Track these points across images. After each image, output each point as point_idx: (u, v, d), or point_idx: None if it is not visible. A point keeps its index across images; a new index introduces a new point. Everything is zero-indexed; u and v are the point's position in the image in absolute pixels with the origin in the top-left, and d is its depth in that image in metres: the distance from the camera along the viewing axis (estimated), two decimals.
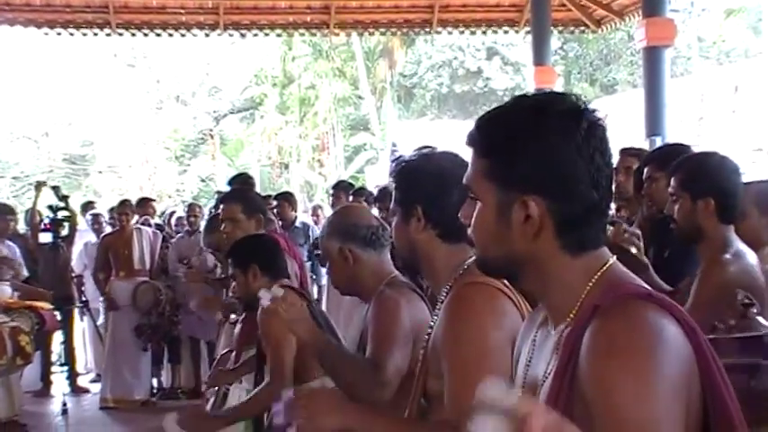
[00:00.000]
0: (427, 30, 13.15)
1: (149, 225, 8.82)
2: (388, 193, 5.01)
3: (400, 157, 2.23)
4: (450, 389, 1.81)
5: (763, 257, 2.96)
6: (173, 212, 10.37)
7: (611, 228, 3.01)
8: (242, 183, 6.39)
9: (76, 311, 8.99)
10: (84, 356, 9.68)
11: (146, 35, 12.35)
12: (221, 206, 4.57)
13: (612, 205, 4.61)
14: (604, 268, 1.32)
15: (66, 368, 8.52)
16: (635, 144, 5.45)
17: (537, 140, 1.29)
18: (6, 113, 28.87)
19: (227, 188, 7.14)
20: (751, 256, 2.83)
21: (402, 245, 2.13)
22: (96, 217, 9.33)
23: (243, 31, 12.54)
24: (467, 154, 1.41)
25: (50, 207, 8.54)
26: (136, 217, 8.68)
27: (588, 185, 1.29)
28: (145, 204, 9.65)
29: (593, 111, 1.33)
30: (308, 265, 7.55)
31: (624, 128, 10.13)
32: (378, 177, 16.40)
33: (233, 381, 4.09)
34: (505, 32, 13.80)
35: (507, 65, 28.86)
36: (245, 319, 4.09)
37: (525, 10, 12.19)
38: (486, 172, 1.34)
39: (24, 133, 30.40)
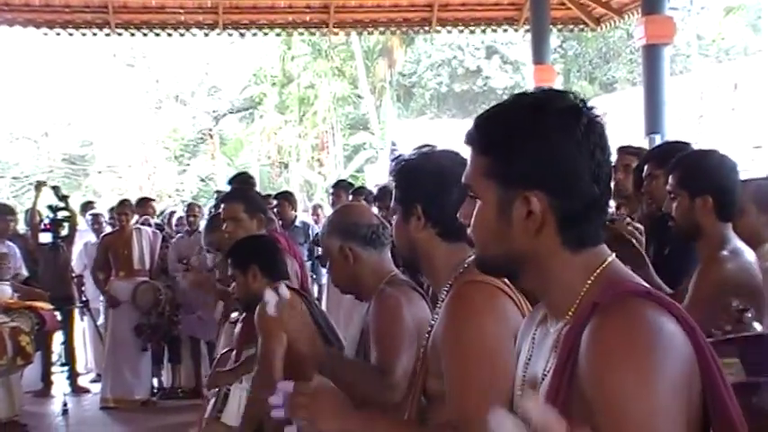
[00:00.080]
0: (426, 29, 13.14)
1: (149, 225, 8.82)
2: (387, 192, 5.01)
3: (400, 156, 2.24)
4: (451, 389, 1.81)
5: (762, 255, 2.97)
6: (172, 212, 10.37)
7: (615, 222, 3.03)
8: (242, 182, 6.39)
9: (77, 311, 8.99)
10: (85, 356, 9.68)
11: (145, 35, 12.35)
12: (223, 206, 4.57)
13: (612, 203, 4.63)
14: (603, 266, 1.32)
15: (66, 368, 8.53)
16: (634, 142, 5.46)
17: (537, 137, 1.30)
18: (6, 114, 28.86)
19: (226, 188, 7.14)
20: (749, 254, 2.83)
21: (402, 243, 2.13)
22: (96, 217, 9.33)
23: (242, 31, 12.53)
24: (466, 153, 1.41)
25: (50, 207, 8.55)
26: (136, 217, 8.68)
27: (589, 181, 1.30)
28: (144, 204, 9.65)
29: (592, 108, 1.34)
30: (308, 264, 7.55)
31: (624, 126, 10.12)
32: (377, 176, 16.40)
33: (233, 381, 4.09)
34: (505, 31, 13.80)
35: (506, 63, 28.86)
36: (245, 319, 4.09)
37: (524, 8, 12.19)
38: (487, 169, 1.34)
39: (24, 133, 30.39)
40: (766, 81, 12.08)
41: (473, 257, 1.55)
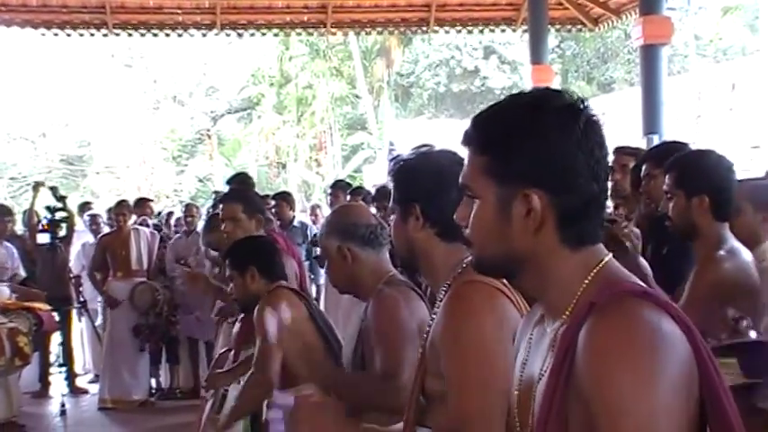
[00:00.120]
0: (424, 29, 13.14)
1: (147, 225, 8.82)
2: (386, 192, 5.01)
3: (398, 156, 2.23)
4: (451, 388, 1.81)
5: (759, 255, 2.97)
6: (170, 213, 10.37)
7: (612, 224, 3.02)
8: (241, 182, 6.38)
9: (74, 312, 8.98)
10: (83, 357, 9.68)
11: (143, 35, 12.34)
12: (221, 206, 4.57)
13: (610, 203, 4.63)
14: (601, 265, 1.32)
15: (64, 369, 8.52)
16: (632, 142, 5.46)
17: (536, 134, 1.30)
18: (3, 114, 28.83)
19: (224, 188, 7.14)
20: (746, 254, 2.84)
21: (400, 243, 2.13)
22: (94, 217, 9.33)
23: (240, 31, 12.52)
24: (464, 153, 1.41)
25: (48, 208, 8.54)
26: (133, 217, 8.68)
27: (588, 178, 1.30)
28: (142, 205, 9.65)
29: (590, 106, 1.34)
30: (306, 264, 7.54)
31: (621, 126, 10.13)
32: (375, 176, 16.42)
33: (231, 382, 4.09)
34: (502, 31, 13.80)
35: (504, 64, 28.87)
36: (244, 320, 4.09)
37: (522, 8, 12.19)
38: (485, 168, 1.34)
39: (21, 134, 30.37)
40: (764, 81, 12.09)
41: (471, 258, 1.54)
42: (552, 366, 1.27)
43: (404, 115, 28.84)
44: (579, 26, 13.20)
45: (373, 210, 5.48)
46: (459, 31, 13.40)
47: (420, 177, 2.07)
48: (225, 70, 30.54)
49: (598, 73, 28.80)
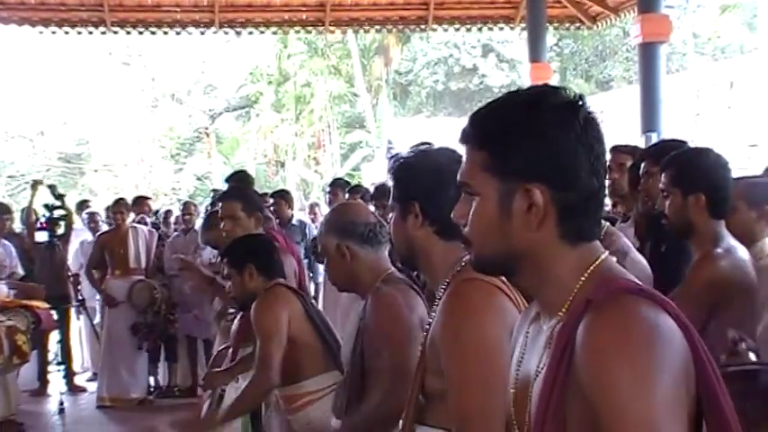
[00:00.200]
0: (423, 27, 13.13)
1: (145, 224, 8.81)
2: (384, 191, 5.01)
3: (397, 154, 2.24)
4: (451, 387, 1.82)
5: (756, 253, 2.98)
6: (168, 211, 10.36)
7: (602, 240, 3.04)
8: (240, 180, 6.38)
9: (73, 310, 8.97)
10: (81, 355, 9.67)
11: (141, 33, 12.31)
12: (220, 204, 4.58)
13: (608, 202, 4.63)
14: (597, 263, 1.32)
15: (62, 367, 8.52)
16: (630, 140, 5.46)
17: (536, 129, 1.30)
18: (1, 112, 28.81)
19: (223, 186, 7.13)
20: (743, 252, 2.84)
21: (400, 241, 2.14)
22: (93, 215, 9.32)
23: (238, 29, 12.51)
24: (462, 151, 1.41)
25: (46, 206, 8.53)
26: (132, 215, 8.68)
27: (589, 174, 1.30)
28: (141, 203, 9.63)
29: (587, 103, 1.34)
30: (305, 262, 7.54)
31: (620, 124, 10.14)
32: (374, 175, 16.42)
33: (229, 381, 4.09)
34: (501, 29, 13.79)
35: (503, 62, 28.87)
36: (243, 318, 4.09)
37: (521, 6, 12.19)
38: (485, 164, 1.33)
39: (20, 132, 30.34)
40: (762, 79, 12.10)
41: (470, 256, 1.54)
42: (549, 364, 1.27)
43: (402, 113, 28.84)
44: (578, 24, 13.20)
45: (372, 208, 5.48)
46: (458, 30, 13.40)
47: (419, 175, 2.08)
48: (223, 68, 30.53)
49: (596, 71, 28.80)
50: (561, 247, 1.32)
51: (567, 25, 13.47)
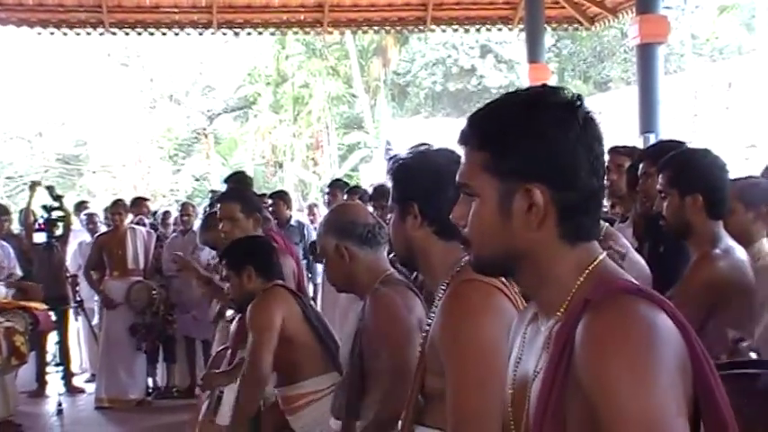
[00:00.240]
0: (421, 28, 13.14)
1: (143, 225, 8.81)
2: (383, 191, 5.02)
3: (396, 155, 2.24)
4: (449, 387, 1.82)
5: (753, 254, 2.98)
6: (166, 212, 10.35)
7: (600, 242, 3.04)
8: (238, 181, 6.37)
9: (71, 311, 8.97)
10: (79, 356, 9.66)
11: (139, 34, 12.32)
12: (219, 205, 4.57)
13: (606, 202, 4.64)
14: (595, 263, 1.32)
15: (61, 368, 8.52)
16: (628, 141, 5.47)
17: (536, 129, 1.30)
18: (0, 114, 28.79)
19: (221, 187, 7.12)
20: (741, 252, 2.85)
21: (399, 242, 2.14)
22: (91, 217, 9.32)
23: (236, 30, 12.51)
24: (461, 152, 1.41)
25: (45, 207, 8.53)
26: (130, 216, 8.67)
27: (589, 173, 1.30)
28: (139, 204, 9.64)
29: (586, 103, 1.35)
30: (303, 263, 7.54)
31: (618, 125, 10.14)
32: (372, 175, 16.40)
33: (227, 383, 4.08)
34: (499, 30, 13.82)
35: (501, 62, 28.86)
36: (241, 319, 4.09)
37: (519, 7, 12.19)
38: (484, 164, 1.33)
39: (18, 133, 30.30)
40: (760, 80, 12.10)
41: (469, 257, 1.54)
42: (548, 365, 1.27)
43: (400, 114, 28.84)
44: (576, 25, 13.21)
45: (370, 209, 5.49)
46: (456, 30, 13.41)
47: (417, 176, 2.08)
48: (221, 69, 30.51)
49: (595, 72, 28.81)
50: (561, 247, 1.32)
51: (566, 26, 13.48)
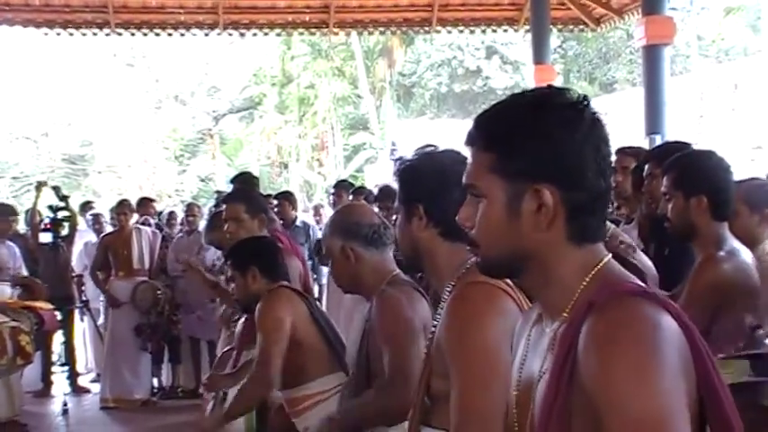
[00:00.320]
0: (426, 29, 13.15)
1: (149, 225, 8.82)
2: (388, 192, 5.02)
3: (402, 157, 2.25)
4: (454, 389, 1.82)
5: (759, 255, 2.97)
6: (172, 212, 10.37)
7: (606, 242, 3.03)
8: (244, 182, 6.38)
9: (77, 311, 8.99)
10: (85, 356, 9.68)
11: (145, 35, 12.35)
12: (224, 206, 4.58)
13: (612, 203, 4.63)
14: (600, 265, 1.32)
15: (66, 368, 8.53)
16: (634, 143, 5.46)
17: (542, 130, 1.30)
18: (6, 114, 28.85)
19: (227, 187, 7.13)
20: (746, 254, 2.84)
21: (405, 243, 2.14)
22: (97, 217, 9.34)
23: (242, 31, 12.54)
24: (467, 153, 1.40)
25: (50, 207, 8.55)
26: (136, 216, 8.69)
27: (596, 174, 1.30)
28: (145, 204, 9.65)
29: (592, 103, 1.35)
30: (309, 264, 7.54)
31: (624, 126, 10.12)
32: (377, 176, 16.39)
33: (231, 385, 4.08)
34: (505, 31, 13.81)
35: (506, 64, 28.84)
36: (246, 320, 4.09)
37: (524, 8, 12.20)
38: (492, 165, 1.33)
39: (24, 133, 30.37)
40: (766, 81, 12.08)
41: (475, 259, 1.54)
42: (553, 366, 1.27)
43: (406, 115, 28.82)
44: (581, 26, 13.21)
45: (376, 209, 5.49)
46: (462, 31, 13.42)
47: (423, 177, 2.08)
48: (227, 70, 30.54)
49: (600, 73, 28.76)
50: (567, 248, 1.32)
51: (571, 27, 13.48)
